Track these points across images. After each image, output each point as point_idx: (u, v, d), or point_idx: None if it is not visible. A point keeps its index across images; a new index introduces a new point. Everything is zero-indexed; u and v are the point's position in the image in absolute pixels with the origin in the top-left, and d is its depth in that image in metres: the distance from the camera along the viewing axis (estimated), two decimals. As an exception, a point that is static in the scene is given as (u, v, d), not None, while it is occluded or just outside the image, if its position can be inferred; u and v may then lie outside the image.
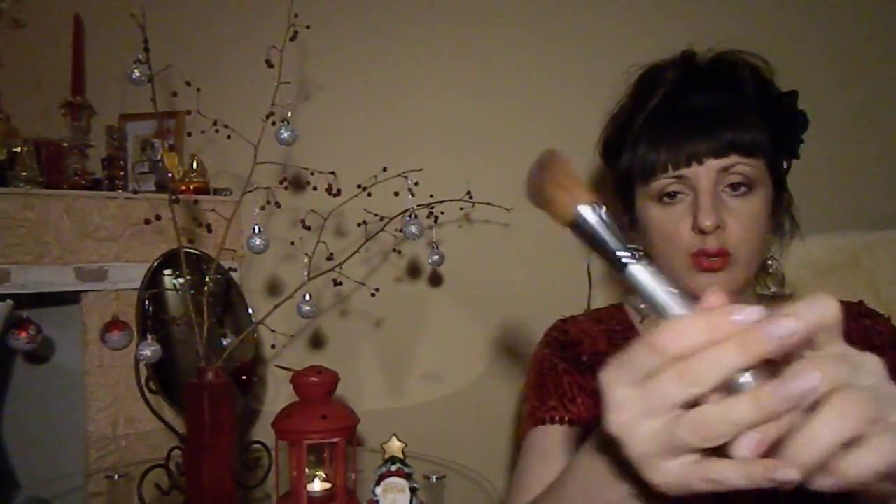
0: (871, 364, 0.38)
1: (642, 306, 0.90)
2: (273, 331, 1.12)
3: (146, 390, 1.20)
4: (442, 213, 1.22)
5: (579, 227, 0.42)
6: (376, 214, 1.18)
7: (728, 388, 0.36)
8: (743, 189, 0.76)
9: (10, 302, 1.26)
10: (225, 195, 1.50)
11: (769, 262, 0.86)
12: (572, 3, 1.50)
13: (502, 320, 1.52)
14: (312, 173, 1.13)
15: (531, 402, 0.90)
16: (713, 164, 0.75)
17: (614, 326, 0.90)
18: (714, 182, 0.76)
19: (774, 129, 0.78)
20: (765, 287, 0.88)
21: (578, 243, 1.36)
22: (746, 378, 0.35)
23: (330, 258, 1.13)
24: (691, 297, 0.40)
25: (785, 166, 0.83)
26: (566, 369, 0.86)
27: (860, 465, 0.34)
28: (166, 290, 1.30)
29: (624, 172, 0.83)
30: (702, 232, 0.75)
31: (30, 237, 1.27)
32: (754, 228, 0.77)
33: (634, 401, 0.37)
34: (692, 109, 0.78)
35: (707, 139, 0.75)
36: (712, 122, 0.76)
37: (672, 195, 0.78)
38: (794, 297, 0.87)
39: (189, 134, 1.16)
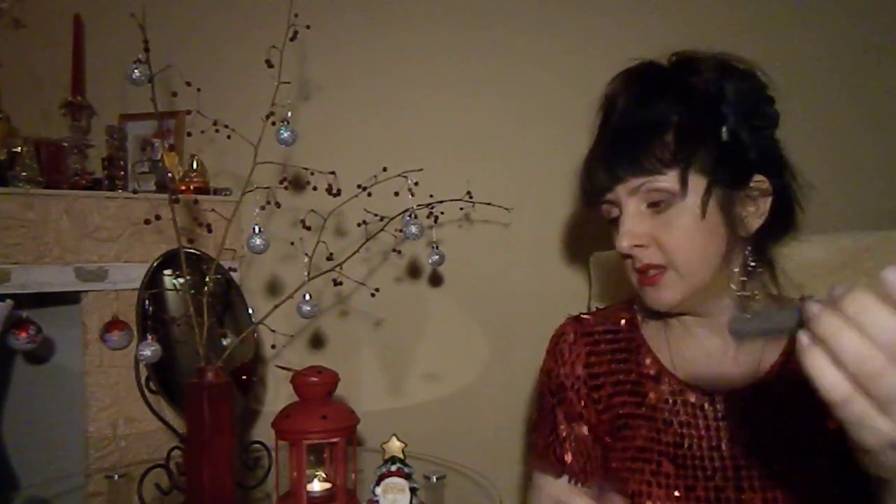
0: None
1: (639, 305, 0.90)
2: (273, 331, 1.12)
3: (146, 390, 1.20)
4: (442, 213, 1.22)
5: None
6: (376, 214, 1.18)
7: None
8: (662, 204, 0.77)
9: (10, 302, 1.26)
10: (225, 195, 1.50)
11: (750, 263, 0.82)
12: (573, 3, 1.50)
13: (502, 320, 1.52)
14: (312, 173, 1.13)
15: (536, 431, 0.93)
16: (622, 188, 0.78)
17: (620, 325, 0.90)
18: (636, 202, 0.78)
19: (729, 122, 0.77)
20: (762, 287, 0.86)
21: (578, 243, 1.38)
22: None
23: (330, 258, 1.13)
24: None
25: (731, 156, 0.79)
26: (561, 401, 0.89)
27: None
28: (166, 290, 1.30)
29: None
30: (626, 255, 0.79)
31: (30, 237, 1.27)
32: (687, 236, 0.76)
33: None
34: (613, 134, 0.81)
35: (609, 168, 0.78)
36: (621, 146, 0.78)
37: (614, 220, 0.81)
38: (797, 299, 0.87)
39: (189, 134, 1.16)
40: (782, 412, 0.79)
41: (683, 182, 0.76)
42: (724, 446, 0.79)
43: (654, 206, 0.77)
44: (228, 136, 1.06)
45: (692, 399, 0.82)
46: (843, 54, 1.42)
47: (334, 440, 0.97)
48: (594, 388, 0.87)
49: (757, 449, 0.78)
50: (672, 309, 0.81)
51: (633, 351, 0.88)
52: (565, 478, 0.87)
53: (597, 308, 1.00)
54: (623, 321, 0.91)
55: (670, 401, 0.83)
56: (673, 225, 0.76)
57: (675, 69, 0.82)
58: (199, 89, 1.06)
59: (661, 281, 0.78)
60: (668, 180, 0.76)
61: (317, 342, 1.55)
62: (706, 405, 0.81)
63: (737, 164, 0.78)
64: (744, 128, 0.78)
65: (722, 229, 0.78)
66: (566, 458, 0.87)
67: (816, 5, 1.43)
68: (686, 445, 0.80)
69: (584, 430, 0.87)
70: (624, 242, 0.77)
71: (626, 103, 0.81)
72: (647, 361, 0.86)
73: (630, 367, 0.87)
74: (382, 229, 1.17)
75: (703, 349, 0.85)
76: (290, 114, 1.06)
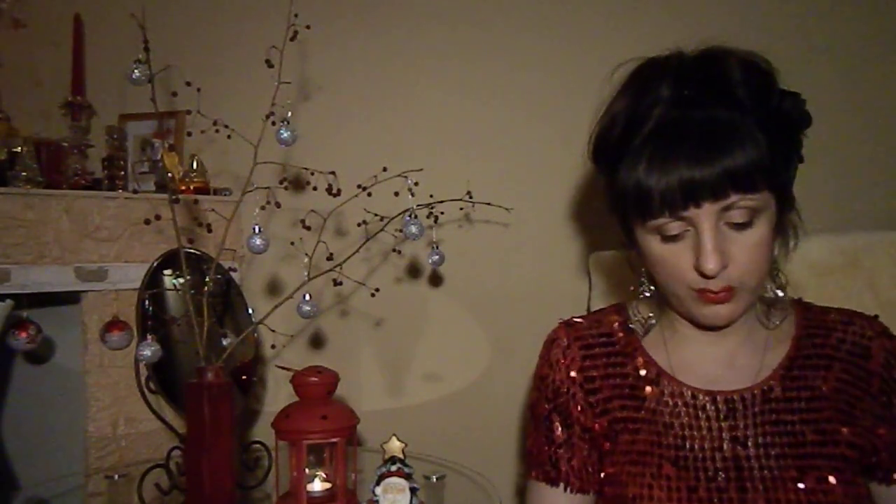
0: None
1: (639, 317, 0.89)
2: (273, 331, 1.12)
3: (146, 390, 1.20)
4: (442, 213, 1.21)
5: None
6: (376, 214, 1.18)
7: None
8: (745, 224, 0.73)
9: (10, 302, 1.26)
10: (225, 195, 1.50)
11: (779, 273, 0.84)
12: (573, 3, 1.50)
13: (502, 320, 1.52)
14: (312, 173, 1.13)
15: (529, 439, 0.92)
16: (709, 207, 0.72)
17: (613, 328, 0.90)
18: (715, 220, 0.72)
19: (773, 133, 0.74)
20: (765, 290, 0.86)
21: (578, 243, 1.37)
22: None
23: (330, 258, 1.13)
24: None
25: (789, 172, 0.79)
26: (557, 406, 0.88)
27: None
28: (166, 290, 1.30)
29: (620, 198, 0.79)
30: (704, 275, 0.73)
31: (30, 237, 1.27)
32: (760, 256, 0.74)
33: None
34: (686, 134, 0.73)
35: (703, 174, 0.71)
36: (707, 151, 0.71)
37: (673, 237, 0.75)
38: (791, 300, 0.87)
39: (189, 134, 1.16)
40: (786, 414, 0.79)
41: (773, 194, 0.74)
42: (725, 447, 0.78)
43: (738, 225, 0.73)
44: (228, 136, 1.06)
45: (694, 400, 0.81)
46: (843, 54, 1.42)
47: (334, 440, 0.97)
48: (590, 391, 0.86)
49: (760, 449, 0.78)
50: (728, 324, 0.78)
51: (629, 355, 0.87)
52: (561, 487, 0.86)
53: (587, 312, 0.99)
54: (616, 325, 0.90)
55: (670, 402, 0.82)
56: (749, 245, 0.73)
57: (725, 68, 0.76)
58: (199, 89, 1.06)
59: (730, 298, 0.75)
60: (762, 198, 0.73)
61: (317, 342, 1.55)
62: (708, 405, 0.80)
63: (791, 175, 0.79)
64: (798, 139, 0.79)
65: (771, 246, 0.77)
66: (562, 466, 0.86)
67: (816, 5, 1.43)
68: (687, 447, 0.79)
69: (582, 435, 0.86)
70: (711, 264, 0.71)
71: (691, 107, 0.74)
72: (645, 365, 0.85)
73: (627, 370, 0.86)
74: (382, 229, 1.17)
75: (703, 352, 0.85)
76: (290, 114, 1.06)
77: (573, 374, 0.88)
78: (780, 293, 0.84)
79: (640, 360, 0.86)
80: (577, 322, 0.92)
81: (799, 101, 0.78)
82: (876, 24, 1.41)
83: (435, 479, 1.18)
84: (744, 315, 0.80)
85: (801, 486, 0.74)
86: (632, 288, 0.90)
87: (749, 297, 0.77)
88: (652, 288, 0.87)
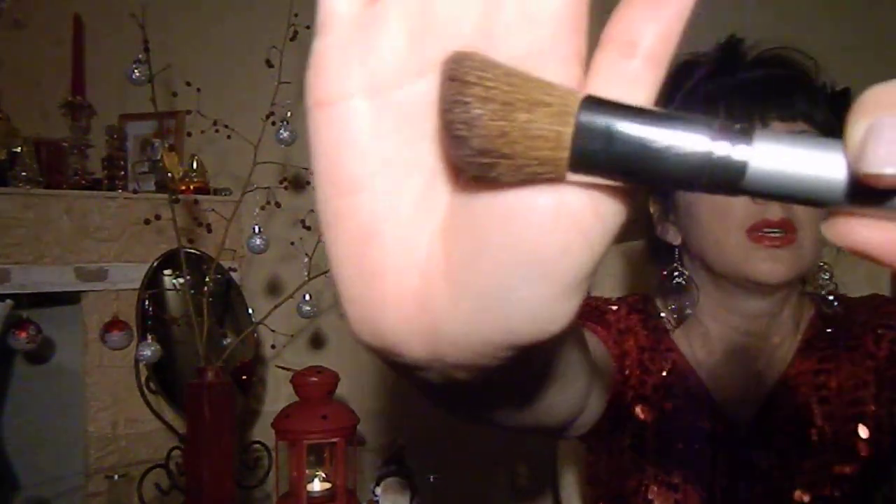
0: None
1: (672, 306, 0.81)
2: (273, 331, 1.12)
3: (146, 390, 1.20)
4: (442, 212, 1.21)
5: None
6: (376, 214, 1.18)
7: None
8: None
9: (10, 302, 1.26)
10: (225, 195, 1.50)
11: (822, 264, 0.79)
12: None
13: (502, 320, 1.52)
14: (312, 173, 1.13)
15: None
16: (780, 127, 0.68)
17: (647, 314, 0.81)
18: None
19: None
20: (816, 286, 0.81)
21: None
22: None
23: (330, 258, 1.13)
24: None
25: None
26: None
27: None
28: (166, 290, 1.30)
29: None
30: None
31: (30, 237, 1.27)
32: (817, 212, 0.69)
33: None
34: (754, 78, 0.72)
35: (777, 103, 0.69)
36: (781, 86, 0.70)
37: None
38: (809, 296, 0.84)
39: (189, 134, 1.16)
40: (797, 420, 0.75)
41: None
42: (735, 459, 0.75)
43: None
44: (228, 136, 1.06)
45: (708, 407, 0.77)
46: (844, 53, 1.42)
47: (334, 440, 0.98)
48: (645, 372, 0.78)
49: (773, 459, 0.75)
50: (779, 284, 0.71)
51: (654, 350, 0.80)
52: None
53: (616, 298, 0.88)
54: (638, 318, 0.82)
55: (685, 407, 0.77)
56: None
57: (784, 55, 0.78)
58: (199, 89, 1.06)
59: (786, 248, 0.69)
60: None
61: (317, 342, 1.55)
62: (720, 417, 0.77)
63: None
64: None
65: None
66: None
67: (817, 5, 1.43)
68: (696, 457, 0.76)
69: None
70: None
71: (761, 61, 0.75)
72: (672, 365, 0.79)
73: (651, 367, 0.79)
74: (382, 229, 1.17)
75: (727, 353, 0.79)
76: (289, 114, 1.06)
77: (631, 342, 0.79)
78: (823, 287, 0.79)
79: (663, 357, 0.80)
80: (610, 301, 0.85)
81: (849, 97, 0.78)
82: (877, 23, 1.42)
83: (434, 479, 1.18)
84: (789, 299, 0.76)
85: (810, 496, 0.72)
86: (668, 271, 0.80)
87: (806, 256, 0.71)
88: (685, 272, 0.79)
